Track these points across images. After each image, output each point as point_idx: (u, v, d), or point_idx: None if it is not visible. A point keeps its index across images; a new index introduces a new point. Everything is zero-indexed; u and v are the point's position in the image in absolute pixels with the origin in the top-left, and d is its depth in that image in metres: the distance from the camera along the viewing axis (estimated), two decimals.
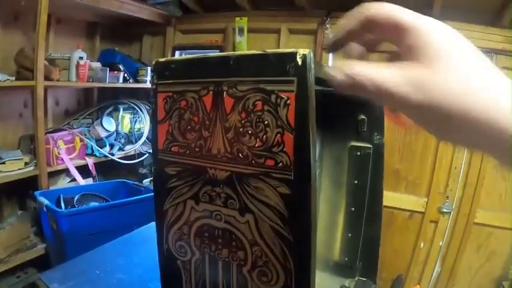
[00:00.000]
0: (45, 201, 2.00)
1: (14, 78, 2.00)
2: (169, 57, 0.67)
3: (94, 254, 1.66)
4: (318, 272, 1.59)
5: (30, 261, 2.17)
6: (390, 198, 2.08)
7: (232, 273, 0.64)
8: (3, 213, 2.37)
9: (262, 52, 0.54)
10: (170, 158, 0.69)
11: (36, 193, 2.11)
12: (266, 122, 0.55)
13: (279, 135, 0.54)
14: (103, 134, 2.59)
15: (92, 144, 2.54)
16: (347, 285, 1.48)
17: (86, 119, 2.87)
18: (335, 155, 1.45)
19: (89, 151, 2.58)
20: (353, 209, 1.46)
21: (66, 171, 2.44)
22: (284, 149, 0.54)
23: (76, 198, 2.13)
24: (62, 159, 2.33)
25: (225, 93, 0.59)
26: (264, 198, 0.57)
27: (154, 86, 0.70)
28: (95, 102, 3.03)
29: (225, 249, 0.64)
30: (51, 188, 2.33)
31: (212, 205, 0.63)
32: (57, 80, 2.26)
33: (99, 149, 2.56)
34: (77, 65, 2.42)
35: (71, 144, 2.42)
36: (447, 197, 1.97)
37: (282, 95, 0.53)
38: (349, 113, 1.38)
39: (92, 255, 1.66)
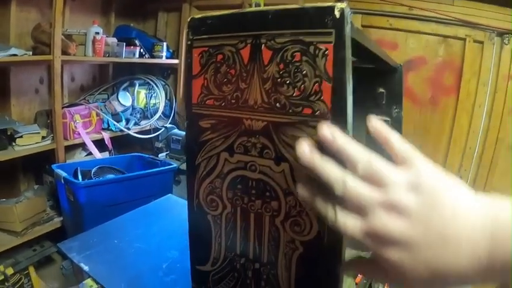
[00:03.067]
0: (63, 174, 2.04)
1: (31, 53, 2.02)
2: (205, 14, 0.68)
3: (112, 224, 1.70)
4: None
5: (47, 234, 2.21)
6: None
7: (265, 225, 0.67)
8: (20, 187, 2.43)
9: (300, 6, 0.56)
10: (204, 111, 0.70)
11: (54, 166, 2.15)
12: (304, 72, 0.57)
13: (317, 84, 0.56)
14: (119, 109, 2.61)
15: (108, 118, 2.57)
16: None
17: (102, 94, 2.89)
18: (355, 127, 1.52)
19: (105, 125, 2.60)
20: None
21: (82, 145, 2.48)
22: (322, 98, 0.55)
23: (93, 171, 2.17)
24: (79, 134, 2.36)
25: (263, 45, 0.61)
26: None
27: (190, 42, 0.71)
28: (110, 78, 3.05)
29: (258, 201, 0.66)
30: (68, 161, 2.38)
31: (247, 156, 0.65)
32: (74, 55, 2.28)
33: (115, 123, 2.58)
34: (94, 40, 2.44)
35: (88, 119, 2.45)
36: (460, 177, 1.97)
37: (321, 46, 0.55)
38: (368, 86, 1.41)
39: (110, 225, 1.69)
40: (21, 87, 2.35)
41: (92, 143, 2.42)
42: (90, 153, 2.47)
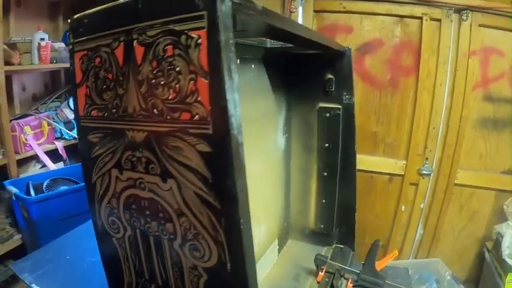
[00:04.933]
0: (14, 190, 1.93)
1: None
2: (84, 12, 0.57)
3: (64, 239, 1.62)
4: (294, 241, 1.56)
5: (9, 252, 2.11)
6: (368, 162, 2.02)
7: (165, 249, 0.57)
8: None
9: None
10: (91, 124, 0.60)
11: (6, 182, 2.02)
12: (178, 69, 0.47)
13: (192, 82, 0.46)
14: (71, 116, 2.47)
15: (60, 127, 2.43)
16: (324, 253, 1.44)
17: (55, 102, 2.73)
18: (303, 117, 1.43)
19: (58, 134, 2.46)
20: (325, 173, 1.43)
21: (36, 158, 2.34)
22: (199, 98, 0.45)
23: (45, 184, 2.05)
24: (30, 146, 2.23)
25: (135, 42, 0.51)
26: (184, 160, 0.49)
27: (71, 46, 0.61)
28: (63, 85, 2.89)
29: (154, 222, 0.57)
30: (22, 175, 2.24)
31: (134, 172, 0.56)
32: (19, 64, 2.15)
33: (68, 131, 2.45)
34: (39, 47, 2.29)
35: (39, 129, 2.31)
36: (426, 159, 1.92)
37: (192, 34, 0.45)
38: (316, 73, 1.34)
39: (62, 240, 1.62)
40: None
41: (44, 155, 2.29)
42: (45, 165, 2.34)
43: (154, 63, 0.49)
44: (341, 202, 1.44)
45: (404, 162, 1.97)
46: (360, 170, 2.06)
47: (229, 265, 0.50)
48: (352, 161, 1.38)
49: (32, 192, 2.02)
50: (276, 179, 1.40)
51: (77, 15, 0.60)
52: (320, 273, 1.21)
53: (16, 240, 2.14)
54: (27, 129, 2.27)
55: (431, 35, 1.83)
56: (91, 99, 0.59)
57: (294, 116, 1.44)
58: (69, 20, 0.62)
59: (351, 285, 1.17)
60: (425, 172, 1.91)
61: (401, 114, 1.94)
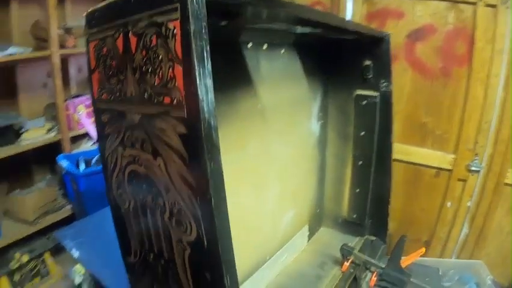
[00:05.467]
0: (65, 164, 2.09)
1: (31, 50, 2.05)
2: (96, 6, 0.64)
3: (106, 211, 1.75)
4: (327, 229, 1.56)
5: (60, 221, 2.26)
6: (416, 154, 1.93)
7: (158, 221, 0.63)
8: (35, 178, 2.51)
9: None
10: (102, 106, 0.68)
11: (59, 157, 2.18)
12: (160, 57, 0.51)
13: (170, 69, 0.50)
14: None
15: None
16: (354, 244, 1.43)
17: None
18: (340, 104, 1.41)
19: None
20: (360, 162, 1.41)
21: (88, 135, 2.54)
22: (176, 84, 0.50)
23: (94, 160, 2.21)
24: (83, 124, 2.42)
25: (130, 33, 0.56)
26: (168, 140, 0.54)
27: (87, 36, 0.69)
28: None
29: (150, 196, 0.63)
30: (74, 151, 2.41)
31: (134, 150, 0.62)
32: (74, 47, 2.32)
33: None
34: None
35: (91, 108, 2.48)
36: (476, 154, 1.78)
37: (170, 24, 0.49)
38: (353, 59, 1.31)
39: (104, 212, 1.74)
40: (29, 83, 2.36)
41: (95, 132, 2.45)
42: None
43: (144, 52, 0.54)
44: (375, 193, 1.41)
45: (453, 156, 1.85)
46: (407, 162, 1.99)
47: (205, 242, 0.55)
48: (388, 152, 1.34)
49: (82, 166, 2.19)
50: (309, 164, 1.39)
51: (91, 9, 0.66)
52: (346, 263, 1.21)
53: (67, 210, 2.36)
54: (80, 108, 2.44)
55: (486, 22, 1.69)
56: (102, 83, 0.66)
57: (331, 102, 1.43)
58: (84, 14, 0.69)
59: (375, 278, 1.15)
60: (474, 168, 1.79)
61: (452, 105, 1.82)
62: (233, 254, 0.55)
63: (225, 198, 0.53)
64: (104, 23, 0.62)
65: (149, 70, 0.54)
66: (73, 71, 2.66)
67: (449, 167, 1.86)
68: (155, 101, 0.54)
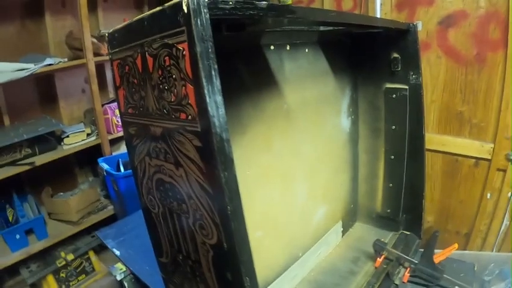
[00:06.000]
0: (105, 166, 2.19)
1: (66, 59, 2.14)
2: (116, 27, 0.69)
3: None
4: (361, 224, 1.57)
5: (103, 221, 2.37)
6: (453, 144, 1.87)
7: (184, 225, 0.68)
8: (78, 180, 2.67)
9: (161, 8, 0.54)
10: (129, 119, 0.73)
11: (99, 159, 2.27)
12: (174, 76, 0.55)
13: (183, 88, 0.54)
14: None
15: None
16: (389, 239, 1.42)
17: None
18: (370, 99, 1.41)
19: None
20: (392, 157, 1.41)
21: None
22: (189, 101, 0.54)
23: None
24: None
25: (146, 53, 0.61)
26: (186, 152, 0.58)
27: (110, 56, 0.74)
28: None
29: (175, 202, 0.68)
30: (114, 153, 2.50)
31: (159, 160, 0.67)
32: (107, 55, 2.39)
33: None
34: None
35: None
36: None
37: (179, 46, 0.52)
38: (381, 52, 1.30)
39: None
40: (68, 90, 2.47)
41: None
42: None
43: (160, 71, 0.58)
44: (408, 188, 1.38)
45: (491, 145, 1.78)
46: (444, 153, 1.94)
47: (225, 244, 0.58)
48: (420, 145, 1.31)
49: (122, 168, 2.28)
50: (340, 161, 1.40)
51: (111, 30, 0.71)
52: (379, 259, 1.21)
53: (109, 210, 2.47)
54: (118, 111, 2.54)
55: None
56: (127, 99, 0.71)
57: (361, 97, 1.42)
58: (106, 34, 0.74)
59: (408, 274, 1.15)
60: None
61: (489, 92, 1.75)
62: (251, 256, 0.59)
63: (240, 204, 0.56)
64: (124, 44, 0.67)
65: (166, 88, 0.58)
66: (109, 75, 2.74)
67: (488, 157, 1.79)
68: (173, 116, 0.58)
